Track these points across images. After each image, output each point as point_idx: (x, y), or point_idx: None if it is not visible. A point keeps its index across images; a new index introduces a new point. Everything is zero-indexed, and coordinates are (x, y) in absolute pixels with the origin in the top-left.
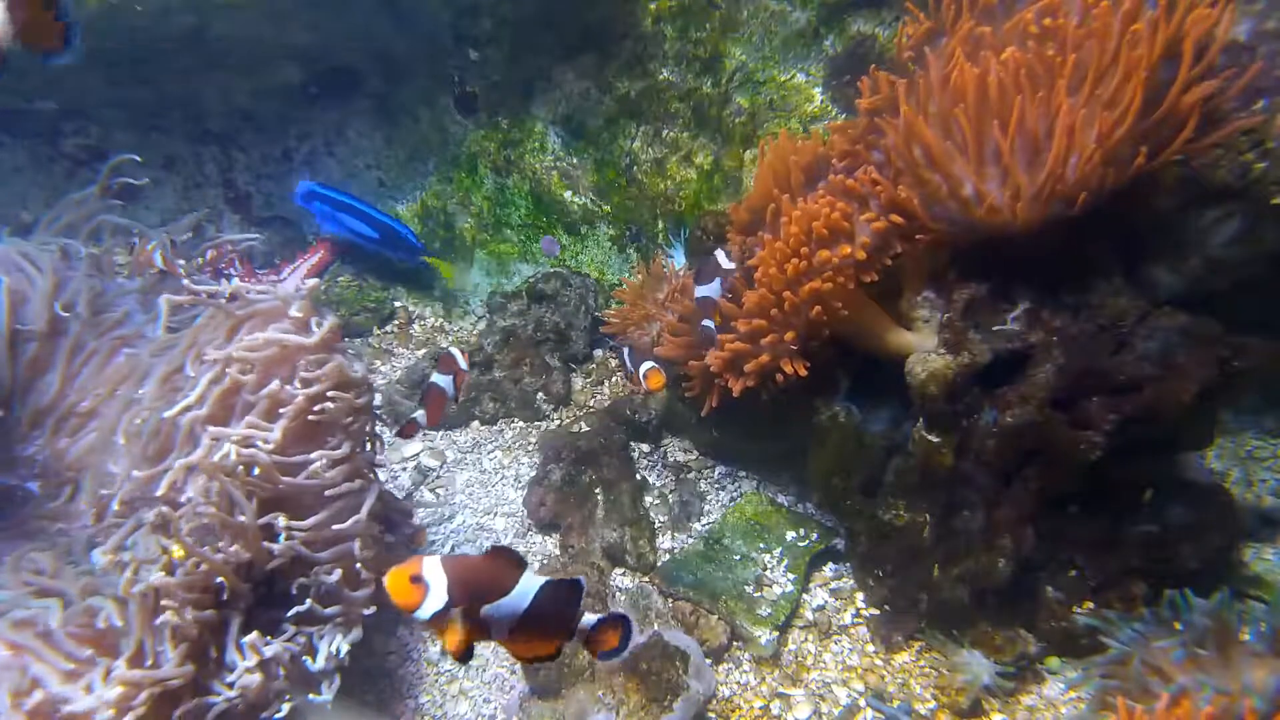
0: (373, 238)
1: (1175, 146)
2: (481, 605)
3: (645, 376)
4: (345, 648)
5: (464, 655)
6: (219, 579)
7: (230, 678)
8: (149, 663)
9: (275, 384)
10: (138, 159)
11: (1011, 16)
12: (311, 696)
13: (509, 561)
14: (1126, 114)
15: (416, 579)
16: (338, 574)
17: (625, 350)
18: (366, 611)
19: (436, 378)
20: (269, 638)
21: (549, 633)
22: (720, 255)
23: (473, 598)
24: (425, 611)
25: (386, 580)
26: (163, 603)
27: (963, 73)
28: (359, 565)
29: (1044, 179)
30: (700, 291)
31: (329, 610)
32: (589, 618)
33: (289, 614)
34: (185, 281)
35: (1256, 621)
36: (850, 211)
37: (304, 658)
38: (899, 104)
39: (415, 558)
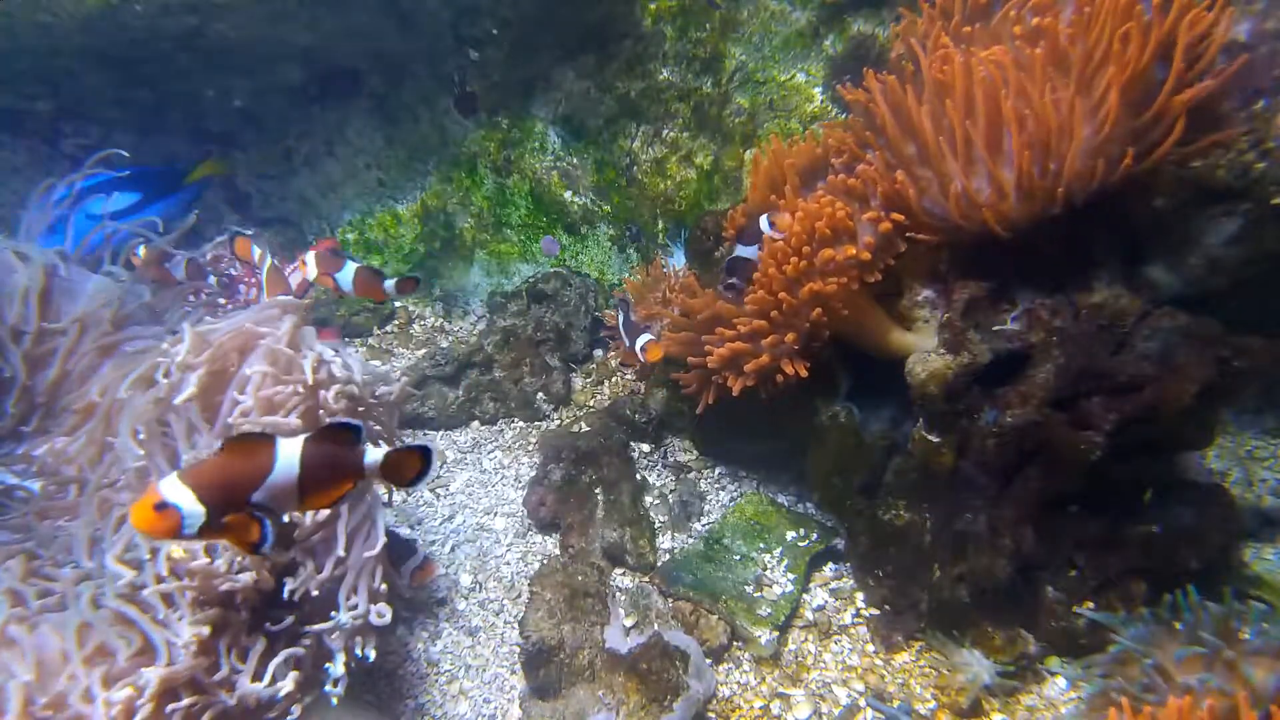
0: (141, 200)
1: (1164, 149)
2: (248, 495)
3: (643, 350)
4: (373, 654)
5: (258, 544)
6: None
7: (218, 675)
8: (162, 660)
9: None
10: (125, 154)
11: (1005, 17)
12: (328, 688)
13: (254, 442)
14: (1108, 116)
15: (161, 506)
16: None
17: (621, 313)
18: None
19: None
20: (272, 642)
21: (338, 478)
22: (764, 221)
23: (232, 494)
24: (190, 529)
25: (132, 520)
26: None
27: (946, 70)
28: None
29: (1015, 178)
30: (741, 251)
31: (343, 618)
32: (375, 452)
33: (306, 629)
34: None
35: (1257, 622)
36: (852, 211)
37: (325, 665)
38: (884, 101)
39: (150, 485)
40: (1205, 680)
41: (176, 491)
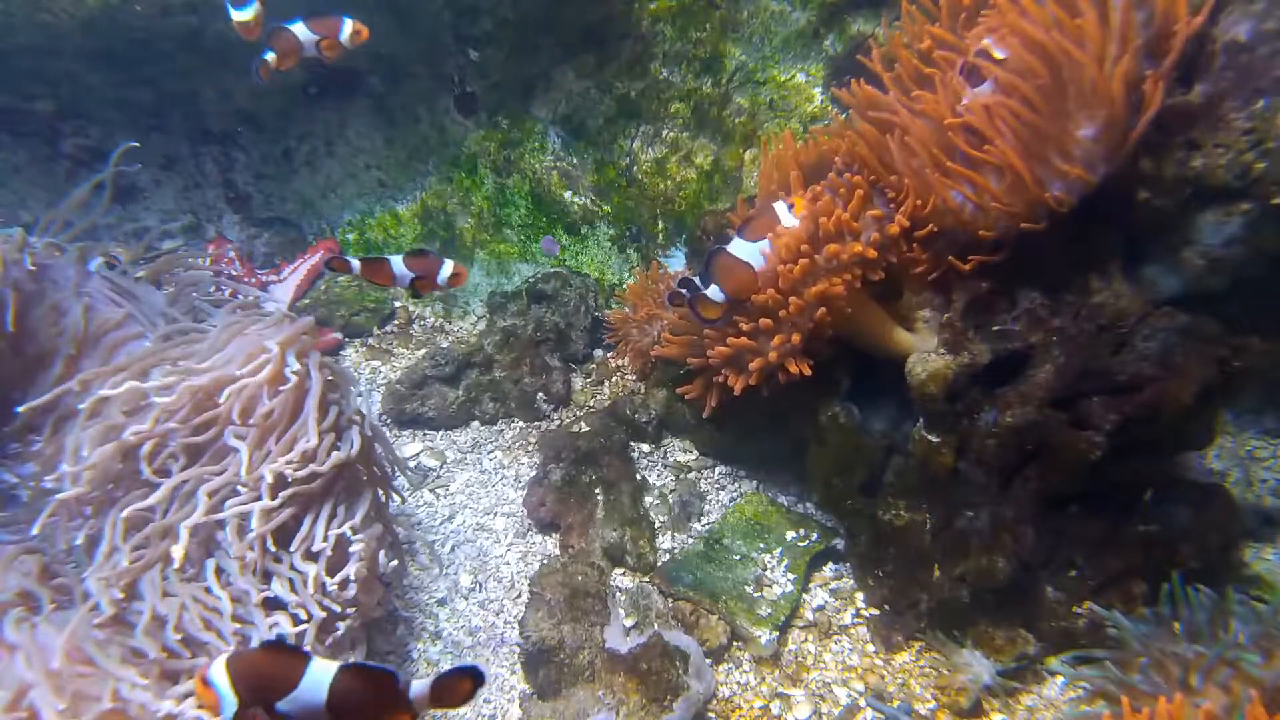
0: None
1: (1132, 141)
2: (274, 702)
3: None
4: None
5: None
6: None
7: None
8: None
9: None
10: (136, 144)
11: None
12: None
13: (289, 653)
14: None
15: (206, 681)
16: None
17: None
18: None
19: None
20: None
21: (374, 714)
22: (781, 207)
23: (261, 696)
24: (225, 715)
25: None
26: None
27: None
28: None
29: (984, 189)
30: (737, 245)
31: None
32: (420, 683)
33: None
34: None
35: (1255, 619)
36: (857, 209)
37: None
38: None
39: (209, 660)
40: (1203, 664)
41: (220, 675)
